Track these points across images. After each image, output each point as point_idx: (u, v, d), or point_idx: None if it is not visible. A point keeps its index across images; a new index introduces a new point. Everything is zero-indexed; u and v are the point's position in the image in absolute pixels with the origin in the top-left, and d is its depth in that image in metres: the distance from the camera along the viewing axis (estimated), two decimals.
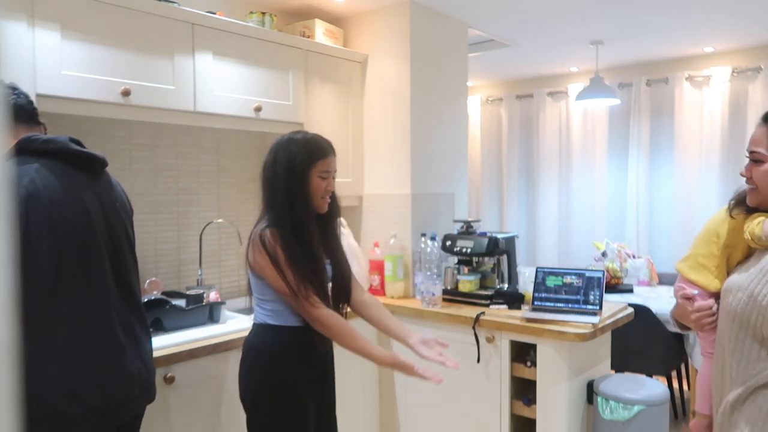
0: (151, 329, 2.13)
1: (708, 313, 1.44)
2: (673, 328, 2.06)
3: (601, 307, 2.39)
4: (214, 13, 2.43)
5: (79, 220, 1.43)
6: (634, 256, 3.91)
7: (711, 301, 1.45)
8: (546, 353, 2.32)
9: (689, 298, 1.48)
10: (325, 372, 1.92)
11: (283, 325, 1.80)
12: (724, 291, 1.40)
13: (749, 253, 1.43)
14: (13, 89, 1.50)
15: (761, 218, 1.36)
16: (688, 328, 1.58)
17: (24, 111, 1.49)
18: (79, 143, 1.52)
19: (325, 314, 1.73)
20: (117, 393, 1.46)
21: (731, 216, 1.45)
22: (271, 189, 1.80)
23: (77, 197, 1.45)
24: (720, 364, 1.39)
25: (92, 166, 1.53)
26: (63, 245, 1.39)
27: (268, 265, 1.72)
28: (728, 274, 1.46)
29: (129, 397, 1.50)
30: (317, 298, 1.74)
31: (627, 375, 2.47)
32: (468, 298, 2.72)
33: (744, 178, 1.40)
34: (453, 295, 2.77)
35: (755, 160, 1.35)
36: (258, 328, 1.85)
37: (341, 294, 1.93)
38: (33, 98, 1.86)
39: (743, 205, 1.42)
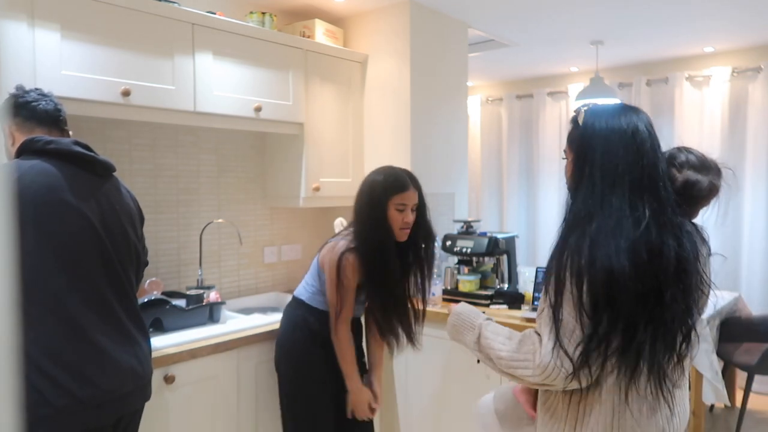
0: (150, 329, 2.16)
1: None
2: None
3: None
4: (214, 13, 2.43)
5: (67, 217, 1.46)
6: None
7: None
8: None
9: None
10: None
11: (315, 306, 2.08)
12: None
13: None
14: (43, 95, 1.60)
15: None
16: None
17: (47, 115, 1.58)
18: (86, 147, 1.58)
19: (341, 330, 2.02)
20: (106, 387, 1.46)
21: None
22: (357, 215, 2.05)
23: (71, 196, 1.48)
24: None
25: (94, 169, 1.57)
26: (48, 239, 1.42)
27: (333, 281, 1.99)
28: None
29: (120, 393, 1.51)
30: (345, 318, 2.02)
31: None
32: (468, 298, 2.72)
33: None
34: (453, 295, 2.77)
35: (564, 157, 1.38)
36: (294, 301, 2.16)
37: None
38: None
39: None
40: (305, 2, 2.94)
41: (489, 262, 2.85)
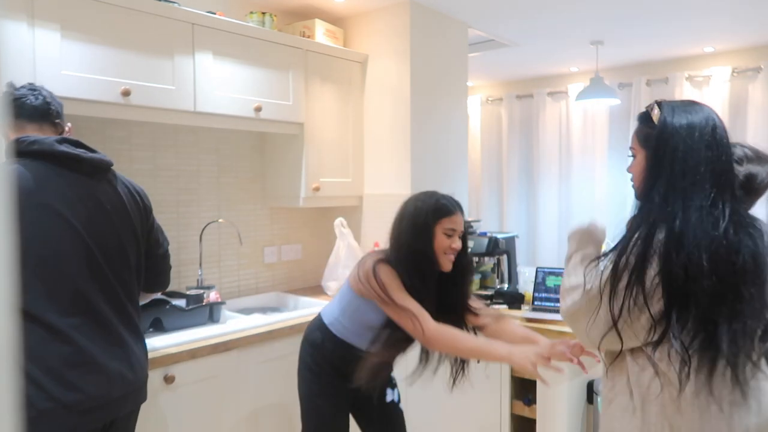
0: (150, 329, 2.15)
1: None
2: None
3: None
4: (214, 13, 2.43)
5: (46, 222, 1.43)
6: None
7: None
8: None
9: None
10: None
11: (335, 334, 1.91)
12: None
13: None
14: (33, 90, 1.56)
15: None
16: None
17: (35, 111, 1.53)
18: (76, 144, 1.53)
19: (431, 329, 1.73)
20: (92, 392, 1.44)
21: None
22: (396, 240, 1.85)
23: (52, 199, 1.44)
24: None
25: (81, 168, 1.52)
26: (25, 246, 1.38)
27: (381, 293, 1.76)
28: None
29: (108, 399, 1.48)
30: (423, 317, 1.74)
31: None
32: None
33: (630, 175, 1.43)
34: None
35: (632, 155, 1.38)
36: (318, 320, 1.98)
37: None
38: None
39: None
40: (305, 2, 2.94)
41: (489, 262, 2.85)
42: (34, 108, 1.53)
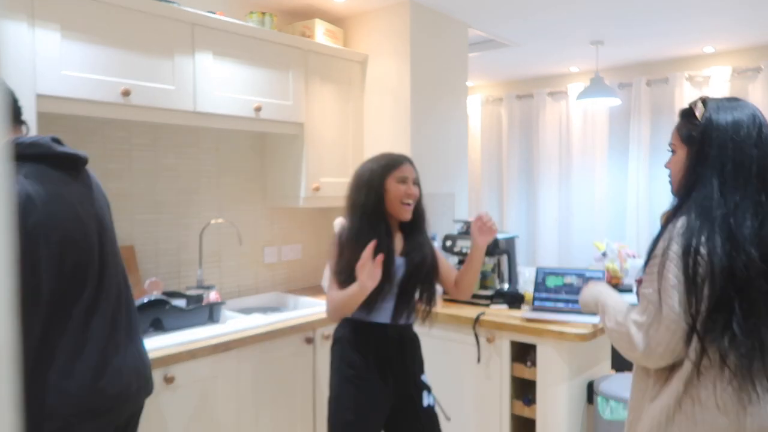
0: (150, 329, 2.16)
1: None
2: None
3: None
4: (214, 13, 2.43)
5: (72, 225, 1.41)
6: (634, 256, 3.90)
7: None
8: (546, 353, 2.32)
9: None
10: (390, 363, 1.93)
11: (357, 318, 1.94)
12: None
13: None
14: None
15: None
16: None
17: (16, 108, 1.46)
18: (59, 141, 1.48)
19: (328, 296, 1.93)
20: (113, 392, 1.44)
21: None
22: (352, 198, 1.95)
23: (68, 202, 1.42)
24: None
25: (75, 166, 1.49)
26: (60, 252, 1.37)
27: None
28: None
29: (127, 394, 1.49)
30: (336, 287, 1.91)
31: (627, 375, 2.46)
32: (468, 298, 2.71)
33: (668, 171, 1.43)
34: None
35: (671, 151, 1.38)
36: (339, 324, 2.03)
37: (424, 288, 2.01)
38: (33, 98, 1.87)
39: None
40: (305, 2, 2.94)
41: (489, 263, 2.84)
42: (14, 104, 1.45)
